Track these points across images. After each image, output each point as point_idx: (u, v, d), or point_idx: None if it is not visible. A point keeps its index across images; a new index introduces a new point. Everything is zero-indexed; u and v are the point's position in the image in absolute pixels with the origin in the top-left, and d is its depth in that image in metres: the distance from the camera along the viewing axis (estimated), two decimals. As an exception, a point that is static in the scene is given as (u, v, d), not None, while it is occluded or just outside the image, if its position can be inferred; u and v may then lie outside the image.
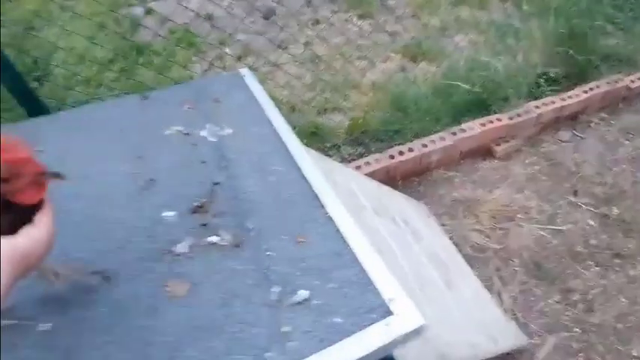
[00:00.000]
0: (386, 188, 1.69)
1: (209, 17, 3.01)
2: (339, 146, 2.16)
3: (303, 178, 0.87)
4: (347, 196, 1.33)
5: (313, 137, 2.17)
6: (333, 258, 0.67)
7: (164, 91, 1.18)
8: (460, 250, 1.69)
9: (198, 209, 0.79)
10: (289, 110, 2.37)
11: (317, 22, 3.11)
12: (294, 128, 1.08)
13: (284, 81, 2.54)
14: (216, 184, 0.85)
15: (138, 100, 1.12)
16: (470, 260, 1.66)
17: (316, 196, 0.82)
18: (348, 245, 0.68)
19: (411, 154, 1.94)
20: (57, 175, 0.54)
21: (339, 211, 0.77)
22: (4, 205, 0.50)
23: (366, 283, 0.62)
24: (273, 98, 1.17)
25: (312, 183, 0.85)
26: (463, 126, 2.11)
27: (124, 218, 0.78)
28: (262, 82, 2.50)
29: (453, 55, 2.65)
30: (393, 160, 1.90)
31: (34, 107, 1.22)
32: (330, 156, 2.06)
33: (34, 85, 2.26)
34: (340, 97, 2.43)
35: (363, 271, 0.63)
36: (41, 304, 0.62)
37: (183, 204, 0.81)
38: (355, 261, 0.65)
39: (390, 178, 1.92)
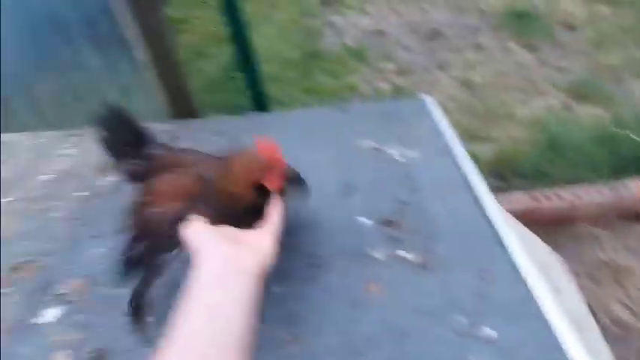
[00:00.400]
0: (531, 233, 1.58)
1: (379, 33, 3.10)
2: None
3: (484, 215, 0.87)
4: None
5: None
6: (518, 304, 0.67)
7: (358, 106, 1.27)
8: (598, 321, 1.50)
9: (389, 223, 0.86)
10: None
11: (479, 47, 2.99)
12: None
13: (437, 100, 2.51)
14: (405, 203, 0.91)
15: (338, 110, 1.23)
16: (607, 335, 1.47)
17: (497, 235, 0.82)
18: (532, 295, 0.68)
19: (559, 202, 1.77)
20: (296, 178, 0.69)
21: (521, 256, 0.76)
22: (260, 190, 0.60)
23: (551, 339, 0.61)
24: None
25: (493, 221, 0.85)
26: (624, 182, 1.85)
27: (322, 219, 0.88)
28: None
29: (626, 101, 2.32)
30: (537, 204, 1.76)
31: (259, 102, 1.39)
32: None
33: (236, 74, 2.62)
34: (490, 126, 2.32)
35: (547, 326, 0.63)
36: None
37: (376, 214, 0.88)
38: (540, 313, 0.65)
39: (528, 222, 1.79)
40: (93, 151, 1.11)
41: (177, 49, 1.20)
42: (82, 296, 0.75)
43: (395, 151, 1.05)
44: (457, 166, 1.02)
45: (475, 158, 2.16)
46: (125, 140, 0.70)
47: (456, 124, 2.37)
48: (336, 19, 3.27)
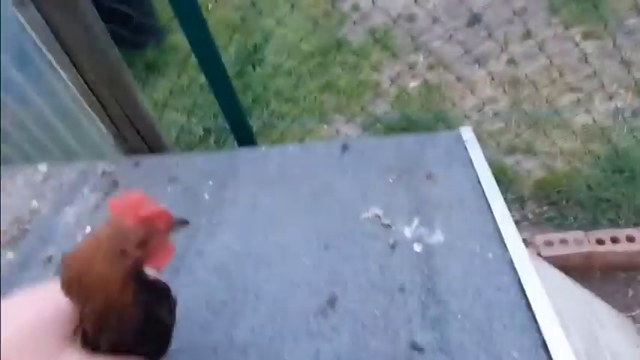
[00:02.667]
0: (587, 293, 1.16)
1: (410, 18, 2.59)
2: (524, 200, 1.62)
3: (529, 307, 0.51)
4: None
5: (528, 197, 1.64)
6: None
7: (367, 143, 0.88)
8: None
9: None
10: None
11: (528, 35, 2.43)
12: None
13: (472, 103, 2.04)
14: (418, 349, 0.54)
15: (339, 149, 0.85)
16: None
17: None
18: None
19: (629, 245, 1.32)
20: (185, 223, 0.44)
21: None
22: (139, 280, 0.37)
23: None
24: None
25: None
26: None
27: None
28: (445, 98, 2.05)
29: None
30: (601, 247, 1.32)
31: (243, 132, 1.01)
32: (509, 211, 1.56)
33: (248, 68, 2.25)
34: (538, 137, 1.84)
35: None
36: None
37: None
38: None
39: (587, 266, 1.36)
40: (5, 204, 0.81)
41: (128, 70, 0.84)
42: None
43: (410, 233, 0.67)
44: (501, 244, 0.64)
45: (519, 180, 1.73)
46: None
47: (494, 133, 1.91)
48: (366, 2, 2.77)
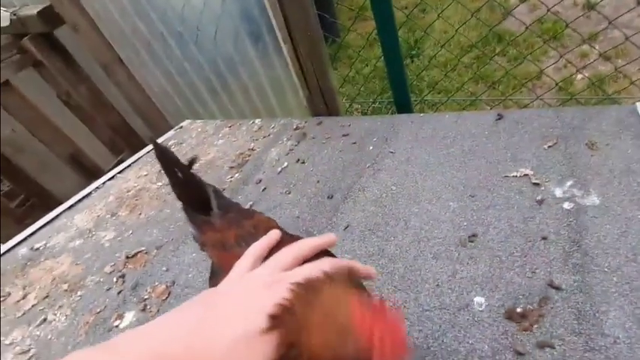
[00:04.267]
0: None
1: (589, 6, 2.22)
2: None
3: None
4: None
5: None
6: None
7: (523, 112, 0.87)
8: None
9: (516, 316, 0.53)
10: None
11: None
12: None
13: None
14: (556, 288, 0.55)
15: (493, 118, 0.87)
16: None
17: None
18: None
19: None
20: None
21: None
22: None
23: None
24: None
25: None
26: None
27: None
28: (621, 92, 1.70)
29: None
30: None
31: (402, 95, 1.11)
32: None
33: (406, 62, 2.33)
34: None
35: None
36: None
37: (498, 293, 0.56)
38: None
39: None
40: (235, 144, 1.11)
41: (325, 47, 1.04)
42: (159, 305, 0.73)
43: (561, 192, 0.66)
44: None
45: None
46: (179, 193, 0.45)
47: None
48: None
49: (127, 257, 0.85)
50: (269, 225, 0.44)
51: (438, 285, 0.61)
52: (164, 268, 0.80)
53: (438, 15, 1.38)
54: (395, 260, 0.67)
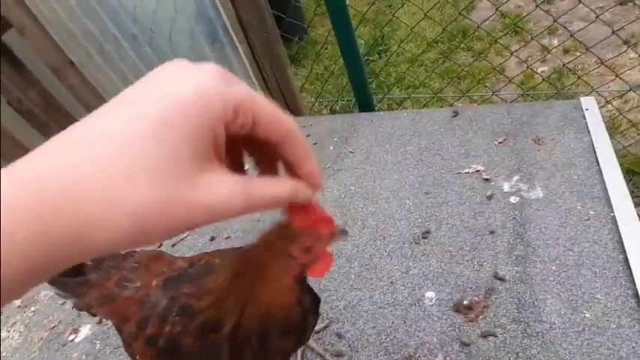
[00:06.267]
0: None
1: (548, 1, 2.33)
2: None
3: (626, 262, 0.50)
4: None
5: (629, 174, 1.44)
6: None
7: (477, 109, 0.91)
8: None
9: (463, 308, 0.56)
10: (608, 129, 1.64)
11: None
12: None
13: (613, 89, 1.75)
14: (500, 279, 0.58)
15: (449, 115, 0.90)
16: None
17: None
18: None
19: None
20: (345, 233, 0.37)
21: None
22: (302, 283, 0.36)
23: None
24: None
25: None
26: None
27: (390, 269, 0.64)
28: (580, 84, 1.81)
29: None
30: None
31: (362, 95, 1.12)
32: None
33: (374, 57, 2.36)
34: None
35: None
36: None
37: (447, 287, 0.60)
38: None
39: None
40: None
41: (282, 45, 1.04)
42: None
43: (508, 187, 0.70)
44: (610, 220, 0.61)
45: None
46: None
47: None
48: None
49: (81, 270, 0.83)
50: (154, 254, 0.44)
51: (392, 282, 0.63)
52: (120, 280, 0.79)
53: (401, 5, 1.40)
54: (351, 259, 0.69)
